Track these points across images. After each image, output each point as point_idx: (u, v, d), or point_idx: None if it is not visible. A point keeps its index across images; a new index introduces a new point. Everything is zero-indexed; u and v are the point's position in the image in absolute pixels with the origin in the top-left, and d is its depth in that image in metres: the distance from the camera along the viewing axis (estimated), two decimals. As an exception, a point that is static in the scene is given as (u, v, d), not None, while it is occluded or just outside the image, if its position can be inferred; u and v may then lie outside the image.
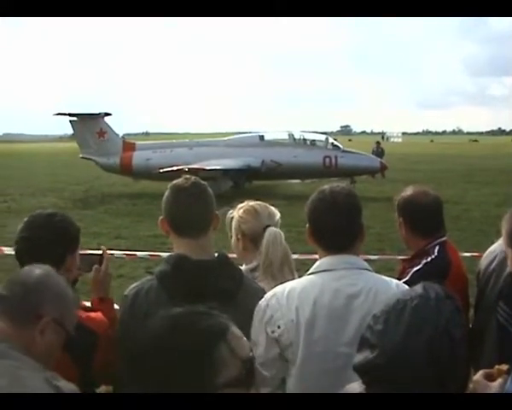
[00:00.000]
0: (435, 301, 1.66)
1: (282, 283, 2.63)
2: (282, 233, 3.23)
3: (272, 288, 2.61)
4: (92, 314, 2.56)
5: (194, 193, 2.64)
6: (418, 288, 1.72)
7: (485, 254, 3.42)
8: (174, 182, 2.71)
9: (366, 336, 1.70)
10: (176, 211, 2.62)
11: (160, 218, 2.68)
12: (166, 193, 2.69)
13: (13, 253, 2.66)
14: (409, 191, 3.63)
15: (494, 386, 1.95)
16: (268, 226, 3.21)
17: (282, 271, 3.11)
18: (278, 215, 3.37)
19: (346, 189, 2.62)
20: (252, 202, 3.38)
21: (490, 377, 1.99)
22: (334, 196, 2.54)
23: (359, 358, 1.70)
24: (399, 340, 1.61)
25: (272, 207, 3.40)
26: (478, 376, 1.99)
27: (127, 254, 9.35)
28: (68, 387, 1.82)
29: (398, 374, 1.60)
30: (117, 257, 8.51)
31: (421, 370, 1.59)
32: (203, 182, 2.71)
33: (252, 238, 3.25)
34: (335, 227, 2.50)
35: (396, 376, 1.61)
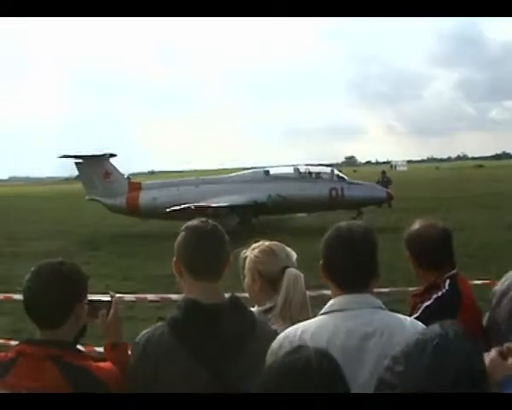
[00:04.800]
0: (455, 341, 1.64)
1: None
2: (302, 275, 3.14)
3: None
4: (101, 364, 2.51)
5: (217, 237, 2.61)
6: (436, 327, 1.69)
7: (499, 282, 3.36)
8: (192, 224, 2.65)
9: (385, 377, 1.66)
10: (197, 254, 2.56)
11: (174, 259, 2.62)
12: (183, 235, 2.62)
13: (20, 298, 2.64)
14: (416, 225, 3.60)
15: (509, 364, 1.91)
16: (287, 267, 3.13)
17: (301, 313, 2.98)
18: (295, 256, 3.27)
19: (363, 226, 2.56)
20: (267, 242, 3.28)
21: (502, 355, 1.95)
22: (350, 234, 2.48)
23: None
24: (422, 380, 1.57)
25: (288, 248, 3.30)
26: (493, 353, 1.93)
27: (137, 298, 9.23)
28: None
29: None
30: (127, 300, 8.43)
31: None
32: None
33: (269, 279, 3.15)
34: (351, 266, 2.45)
35: None
